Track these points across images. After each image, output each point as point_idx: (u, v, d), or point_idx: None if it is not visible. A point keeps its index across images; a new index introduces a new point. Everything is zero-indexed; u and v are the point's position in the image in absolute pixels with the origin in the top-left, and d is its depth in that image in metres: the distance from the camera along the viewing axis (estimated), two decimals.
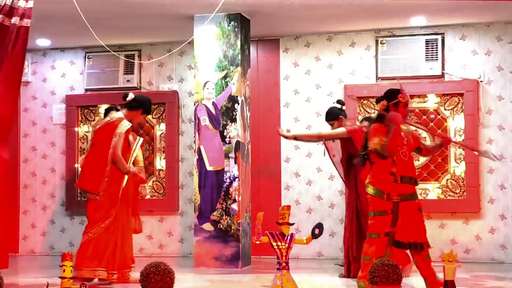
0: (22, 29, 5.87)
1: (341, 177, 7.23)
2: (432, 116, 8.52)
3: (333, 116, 7.11)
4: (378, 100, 5.75)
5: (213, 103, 7.91)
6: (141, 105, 6.73)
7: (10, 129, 6.14)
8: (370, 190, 5.64)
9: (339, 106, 7.34)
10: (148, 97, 6.92)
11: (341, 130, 7.03)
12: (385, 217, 5.54)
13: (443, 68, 8.48)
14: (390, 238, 5.54)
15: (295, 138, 7.17)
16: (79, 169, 7.41)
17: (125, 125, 6.52)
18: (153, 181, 9.16)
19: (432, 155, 7.63)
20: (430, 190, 8.46)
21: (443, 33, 8.53)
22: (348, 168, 7.05)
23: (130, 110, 6.69)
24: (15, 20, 5.81)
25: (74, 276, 6.21)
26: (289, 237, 5.57)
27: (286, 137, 7.12)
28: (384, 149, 5.50)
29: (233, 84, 7.87)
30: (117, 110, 6.91)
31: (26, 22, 5.87)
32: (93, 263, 6.33)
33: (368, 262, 5.38)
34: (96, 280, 6.44)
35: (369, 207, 5.67)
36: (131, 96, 6.76)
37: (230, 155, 7.81)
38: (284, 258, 5.52)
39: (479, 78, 8.40)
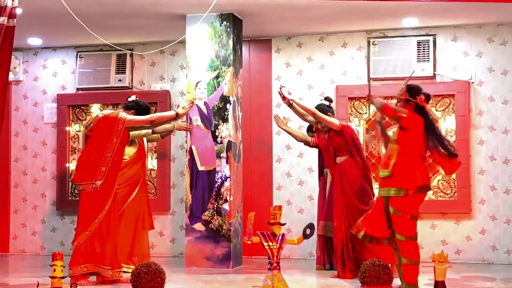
0: (9, 29, 5.86)
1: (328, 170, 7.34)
2: None
3: (322, 112, 7.17)
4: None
5: (205, 103, 7.90)
6: (136, 107, 7.06)
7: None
8: (426, 189, 5.68)
9: (327, 103, 7.39)
10: (147, 104, 7.25)
11: (335, 120, 7.09)
12: None
13: (434, 69, 8.50)
14: None
15: (291, 104, 7.23)
16: (75, 164, 7.49)
17: (125, 113, 6.71)
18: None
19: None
20: None
21: (435, 34, 8.55)
22: (334, 163, 7.09)
23: (124, 109, 6.92)
24: (3, 20, 5.79)
25: (70, 275, 6.27)
26: (280, 237, 5.57)
27: (283, 98, 7.18)
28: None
29: (225, 84, 7.87)
30: None
31: (13, 21, 5.86)
32: (89, 261, 6.36)
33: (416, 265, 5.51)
34: (91, 278, 6.45)
35: (414, 209, 5.71)
36: (133, 97, 7.23)
37: (221, 155, 7.80)
38: (275, 258, 5.52)
39: (471, 79, 8.42)
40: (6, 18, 5.80)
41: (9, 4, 5.84)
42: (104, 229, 6.43)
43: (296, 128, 8.57)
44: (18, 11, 5.99)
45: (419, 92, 5.74)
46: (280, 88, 7.27)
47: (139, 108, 7.00)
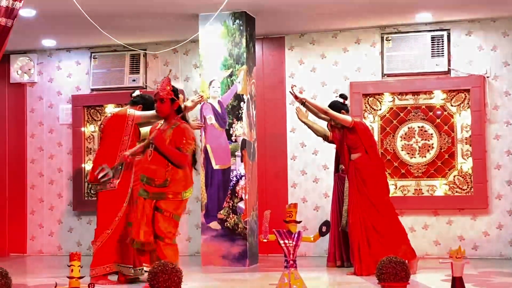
0: (7, 29, 5.88)
1: (343, 166, 7.32)
2: (439, 112, 8.51)
3: (335, 110, 7.15)
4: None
5: (219, 102, 7.91)
6: (142, 101, 6.92)
7: None
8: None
9: (341, 100, 7.36)
10: (153, 97, 7.03)
11: (347, 117, 7.07)
12: None
13: (449, 64, 8.46)
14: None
15: (303, 102, 7.22)
16: (91, 165, 7.48)
17: (133, 110, 6.72)
18: None
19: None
20: (437, 187, 8.45)
21: (449, 29, 8.51)
22: (349, 160, 7.07)
23: (131, 105, 6.88)
24: (6, 21, 5.81)
25: (93, 275, 6.29)
26: (296, 235, 5.56)
27: (295, 97, 7.17)
28: None
29: (239, 82, 7.87)
30: None
31: (11, 22, 5.87)
32: (112, 260, 6.39)
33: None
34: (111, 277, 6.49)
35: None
36: (136, 92, 7.01)
37: (236, 153, 7.81)
38: (291, 256, 5.51)
39: (485, 73, 8.37)
40: (12, 20, 5.81)
41: (17, 6, 5.84)
42: (124, 227, 6.45)
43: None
44: (23, 12, 5.97)
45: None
46: (292, 88, 7.25)
47: (146, 102, 6.88)
